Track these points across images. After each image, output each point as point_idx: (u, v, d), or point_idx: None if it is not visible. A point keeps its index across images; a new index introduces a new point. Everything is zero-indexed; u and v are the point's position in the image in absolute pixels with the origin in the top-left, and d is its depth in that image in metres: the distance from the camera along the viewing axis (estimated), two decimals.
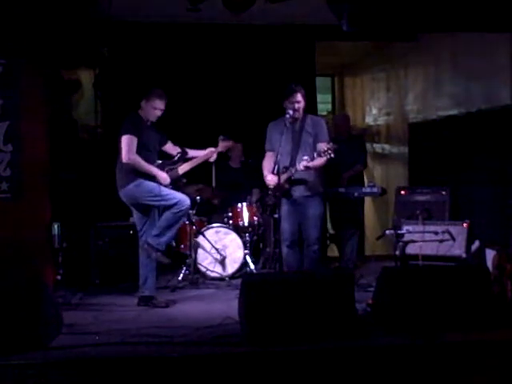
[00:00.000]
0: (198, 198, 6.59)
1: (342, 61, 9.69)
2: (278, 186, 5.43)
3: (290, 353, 3.99)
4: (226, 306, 5.18)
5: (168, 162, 5.69)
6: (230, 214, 6.82)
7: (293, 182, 5.54)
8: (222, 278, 6.50)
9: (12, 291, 4.23)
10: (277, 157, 5.43)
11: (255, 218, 6.78)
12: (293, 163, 5.51)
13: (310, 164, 5.37)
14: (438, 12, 5.10)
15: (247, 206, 6.81)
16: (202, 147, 7.61)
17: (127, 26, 7.28)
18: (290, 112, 5.48)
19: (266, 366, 3.92)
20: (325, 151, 5.27)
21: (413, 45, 7.79)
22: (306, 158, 5.38)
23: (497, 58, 6.32)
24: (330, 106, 10.11)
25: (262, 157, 5.92)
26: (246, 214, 6.78)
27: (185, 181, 5.79)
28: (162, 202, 5.45)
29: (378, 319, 4.52)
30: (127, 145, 5.33)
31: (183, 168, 5.72)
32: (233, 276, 6.52)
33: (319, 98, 8.80)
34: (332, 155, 5.26)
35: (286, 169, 5.52)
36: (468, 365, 3.98)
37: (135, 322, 4.83)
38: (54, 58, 6.34)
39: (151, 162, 5.51)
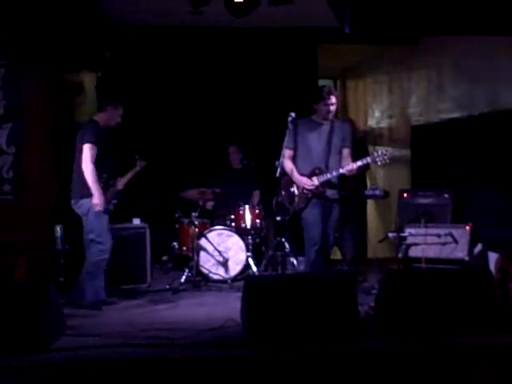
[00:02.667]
0: (201, 201, 6.60)
1: (345, 64, 9.69)
2: (316, 188, 5.47)
3: (291, 355, 3.98)
4: (228, 308, 5.18)
5: (111, 177, 5.57)
6: (233, 217, 6.83)
7: (325, 184, 5.52)
8: (224, 281, 6.49)
9: (15, 293, 4.23)
10: (295, 155, 5.55)
11: (258, 221, 6.79)
12: (326, 166, 5.50)
13: (355, 169, 5.39)
14: (440, 15, 5.10)
15: (250, 208, 6.81)
16: (204, 147, 7.67)
17: (129, 30, 7.30)
18: (293, 114, 5.49)
19: (268, 368, 3.91)
20: (384, 158, 5.31)
21: (415, 48, 7.79)
22: (359, 162, 5.38)
23: (499, 61, 6.32)
24: None
25: (264, 159, 5.92)
26: (248, 217, 6.78)
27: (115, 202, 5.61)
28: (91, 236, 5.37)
29: (381, 322, 4.51)
30: (89, 153, 5.24)
31: (122, 182, 5.80)
32: (235, 278, 6.51)
33: None
34: (387, 160, 5.33)
35: (320, 170, 5.50)
36: (471, 368, 3.97)
37: (137, 323, 4.82)
38: (57, 61, 6.34)
39: (108, 169, 5.47)
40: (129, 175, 5.98)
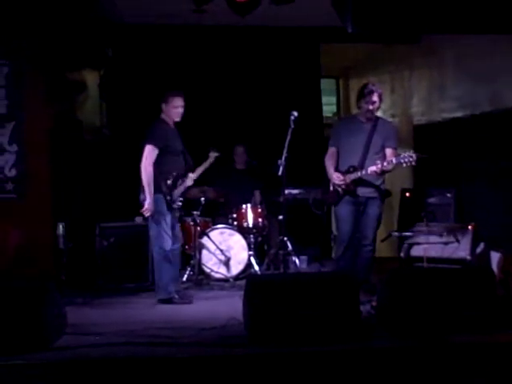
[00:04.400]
0: (203, 198, 6.59)
1: (347, 63, 9.69)
2: (345, 185, 5.49)
3: (294, 354, 3.98)
4: (230, 307, 5.16)
5: (180, 175, 5.60)
6: (235, 216, 6.82)
7: (358, 182, 5.50)
8: (226, 279, 6.49)
9: (16, 291, 4.23)
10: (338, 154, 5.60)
11: (260, 220, 6.79)
12: (361, 164, 5.47)
13: (379, 170, 5.34)
14: (442, 14, 5.10)
15: (252, 207, 6.81)
16: (205, 146, 7.66)
17: (132, 28, 7.31)
18: (295, 113, 5.49)
19: (270, 367, 3.90)
20: (410, 160, 5.18)
21: (417, 47, 7.79)
22: (378, 162, 5.34)
23: (501, 59, 6.31)
24: (334, 108, 10.12)
25: (267, 158, 5.90)
26: (250, 216, 6.78)
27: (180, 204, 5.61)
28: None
29: (382, 321, 4.51)
30: (147, 154, 5.43)
31: (192, 178, 5.63)
32: (237, 277, 6.51)
33: (324, 99, 8.80)
34: (414, 163, 5.21)
35: (354, 169, 5.49)
36: (472, 367, 3.96)
37: (139, 322, 4.81)
38: (59, 59, 6.35)
39: (178, 166, 5.57)
40: (200, 169, 5.71)
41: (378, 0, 5.05)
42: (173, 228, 5.57)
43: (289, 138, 5.51)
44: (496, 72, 6.43)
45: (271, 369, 3.89)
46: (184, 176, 5.59)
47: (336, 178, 5.56)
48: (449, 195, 6.56)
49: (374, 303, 4.84)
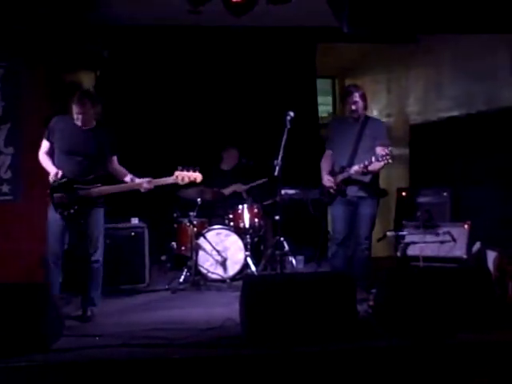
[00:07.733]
0: (199, 199, 6.59)
1: (343, 63, 9.69)
2: (336, 185, 5.54)
3: (290, 354, 3.98)
4: (227, 307, 5.18)
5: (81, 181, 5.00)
6: (231, 216, 6.82)
7: (348, 182, 5.54)
8: (223, 280, 6.49)
9: (14, 293, 4.23)
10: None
11: (256, 220, 6.79)
12: (350, 164, 5.48)
13: (361, 169, 5.36)
14: (438, 13, 5.10)
15: (248, 207, 6.81)
16: (202, 146, 7.64)
17: (128, 29, 7.29)
18: (291, 113, 5.52)
19: (267, 367, 3.91)
20: (383, 156, 5.21)
21: (413, 46, 7.79)
22: (366, 162, 5.32)
23: (497, 59, 6.32)
24: (330, 108, 10.12)
25: (260, 159, 5.91)
26: (246, 216, 6.78)
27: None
28: None
29: (379, 321, 4.52)
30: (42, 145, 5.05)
31: (99, 191, 5.01)
32: (234, 278, 6.51)
33: (320, 99, 8.82)
34: (390, 161, 5.20)
35: (343, 169, 5.53)
36: (470, 366, 3.97)
37: (136, 324, 4.83)
38: (55, 61, 6.34)
39: (70, 168, 4.98)
40: (111, 188, 5.11)
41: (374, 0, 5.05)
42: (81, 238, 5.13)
43: (285, 138, 5.52)
44: (492, 71, 6.43)
45: (268, 369, 3.90)
46: (82, 183, 5.00)
47: (326, 180, 5.60)
48: (445, 194, 6.56)
49: (371, 302, 4.85)
